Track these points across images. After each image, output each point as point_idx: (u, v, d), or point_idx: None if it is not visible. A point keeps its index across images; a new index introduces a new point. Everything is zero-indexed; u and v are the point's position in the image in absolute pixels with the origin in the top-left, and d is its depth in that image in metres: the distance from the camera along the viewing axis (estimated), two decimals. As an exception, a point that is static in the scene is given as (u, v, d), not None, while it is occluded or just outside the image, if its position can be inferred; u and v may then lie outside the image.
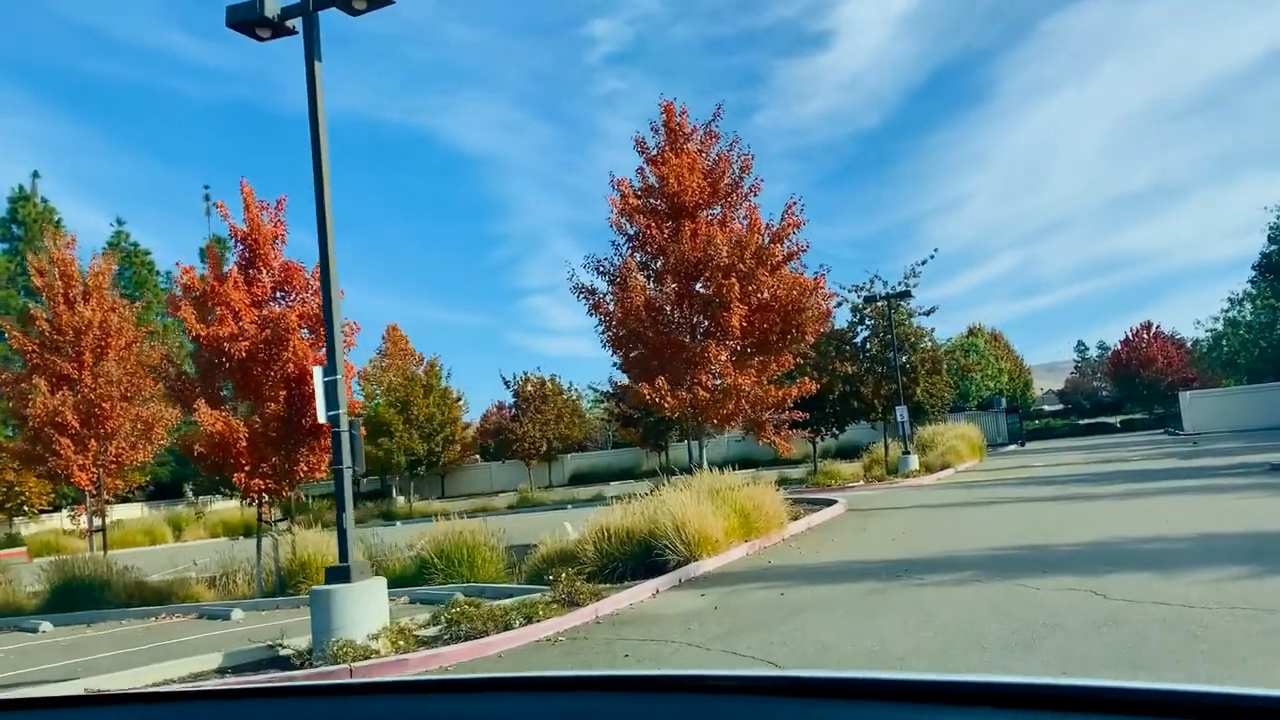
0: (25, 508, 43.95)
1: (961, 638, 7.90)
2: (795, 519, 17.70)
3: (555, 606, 10.82)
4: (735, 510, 15.32)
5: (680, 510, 13.73)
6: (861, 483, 30.08)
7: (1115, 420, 66.29)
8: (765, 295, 18.37)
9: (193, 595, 16.80)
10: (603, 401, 47.77)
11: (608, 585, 12.65)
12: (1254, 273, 53.08)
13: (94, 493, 20.81)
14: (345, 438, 9.27)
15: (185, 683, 8.93)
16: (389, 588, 15.41)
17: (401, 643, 9.18)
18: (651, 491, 15.47)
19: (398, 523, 37.15)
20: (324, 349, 16.35)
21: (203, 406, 15.32)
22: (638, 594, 11.68)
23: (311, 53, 9.65)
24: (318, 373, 9.41)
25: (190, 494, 56.15)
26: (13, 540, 42.64)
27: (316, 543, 16.27)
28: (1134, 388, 70.87)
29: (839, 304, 33.87)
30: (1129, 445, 41.84)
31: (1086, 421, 66.89)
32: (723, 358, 18.25)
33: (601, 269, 19.43)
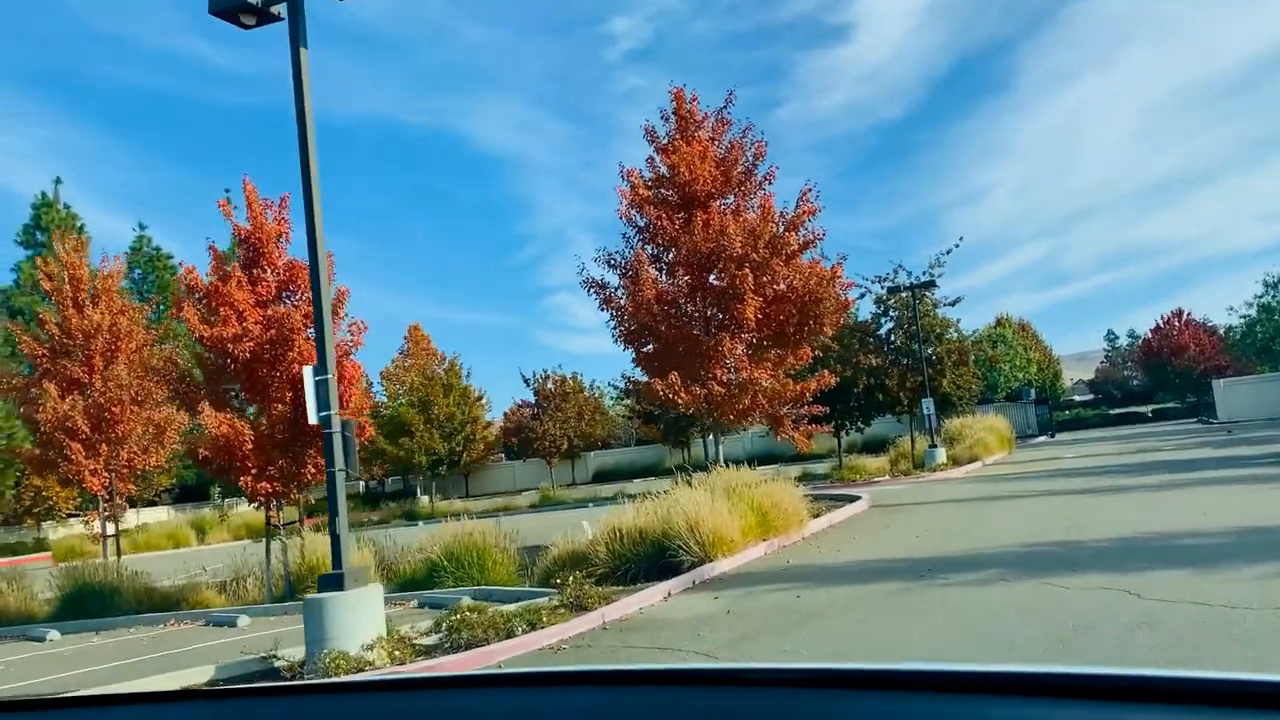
0: (53, 512, 44.22)
1: (987, 642, 7.42)
2: (816, 516, 17.21)
3: (563, 611, 10.42)
4: (752, 508, 14.85)
5: (694, 509, 13.29)
6: (887, 477, 29.50)
7: (1147, 410, 65.27)
8: (781, 286, 17.87)
9: (203, 601, 16.55)
10: (624, 399, 47.36)
11: (620, 588, 12.24)
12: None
13: (106, 498, 20.61)
14: (337, 439, 8.90)
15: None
16: (399, 591, 15.28)
17: (398, 653, 8.80)
18: (674, 488, 15.06)
19: (420, 523, 36.81)
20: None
21: (207, 409, 15.02)
22: (648, 597, 11.25)
23: (297, 39, 9.28)
24: (308, 372, 9.03)
25: (216, 496, 56.31)
26: (40, 545, 42.88)
27: (325, 546, 15.91)
28: (1166, 376, 69.69)
29: (862, 295, 33.34)
30: (1161, 435, 40.99)
31: (1117, 411, 65.91)
32: (738, 351, 17.75)
33: (612, 262, 18.96)
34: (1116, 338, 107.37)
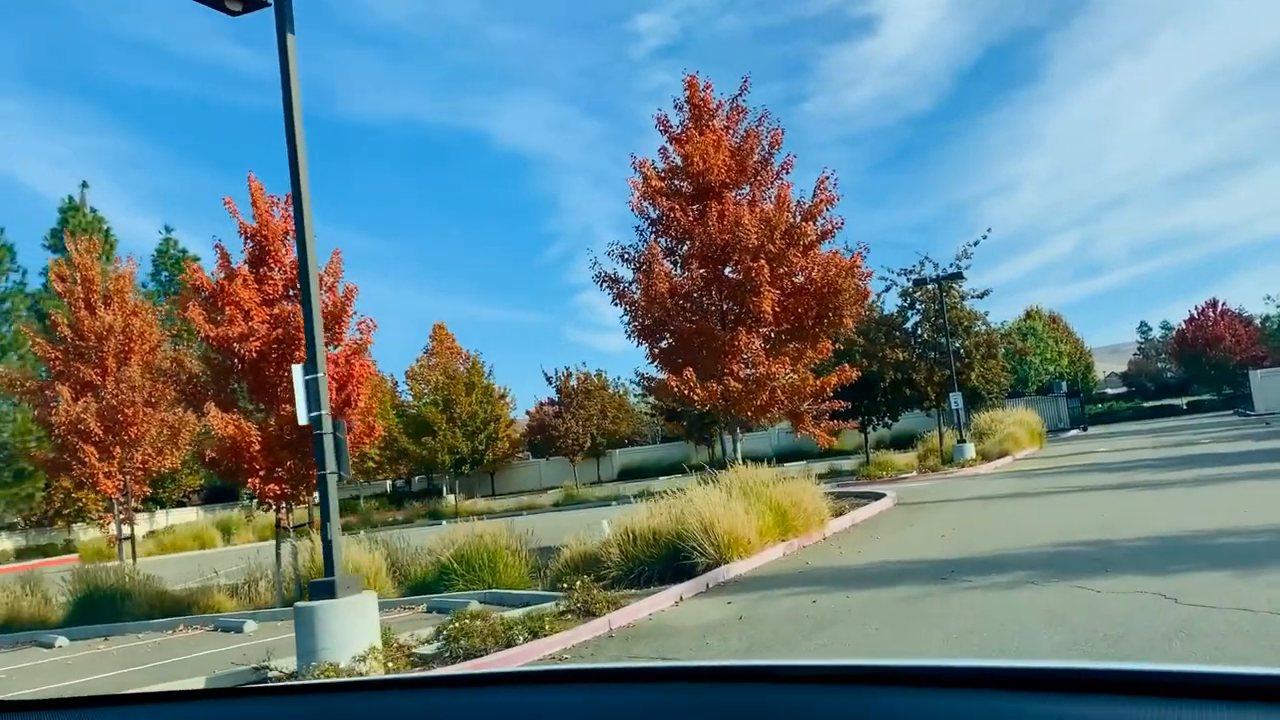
0: (83, 514, 44.41)
1: (1011, 652, 6.94)
2: (839, 515, 16.71)
3: (570, 617, 10.02)
4: (771, 508, 14.39)
5: (709, 510, 12.85)
6: (914, 474, 28.92)
7: (1181, 402, 64.17)
8: (799, 278, 17.36)
9: (214, 605, 16.31)
10: (646, 396, 46.98)
11: (632, 591, 11.84)
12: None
13: (121, 500, 20.46)
14: (329, 441, 8.54)
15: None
16: (410, 594, 14.96)
17: (392, 664, 8.43)
18: (689, 487, 14.63)
19: (444, 522, 36.60)
20: (336, 347, 15.85)
21: (213, 410, 14.75)
22: (659, 602, 10.83)
23: (284, 25, 8.93)
24: (297, 371, 8.68)
25: (244, 497, 56.44)
26: (69, 547, 43.08)
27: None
28: (1200, 368, 68.44)
29: (887, 288, 32.78)
30: (1197, 427, 40.08)
31: (1151, 404, 64.81)
32: (755, 345, 17.23)
33: (626, 256, 18.49)
34: (1150, 329, 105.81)
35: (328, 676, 7.89)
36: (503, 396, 49.82)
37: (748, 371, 17.35)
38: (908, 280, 32.27)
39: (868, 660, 1.40)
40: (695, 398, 16.91)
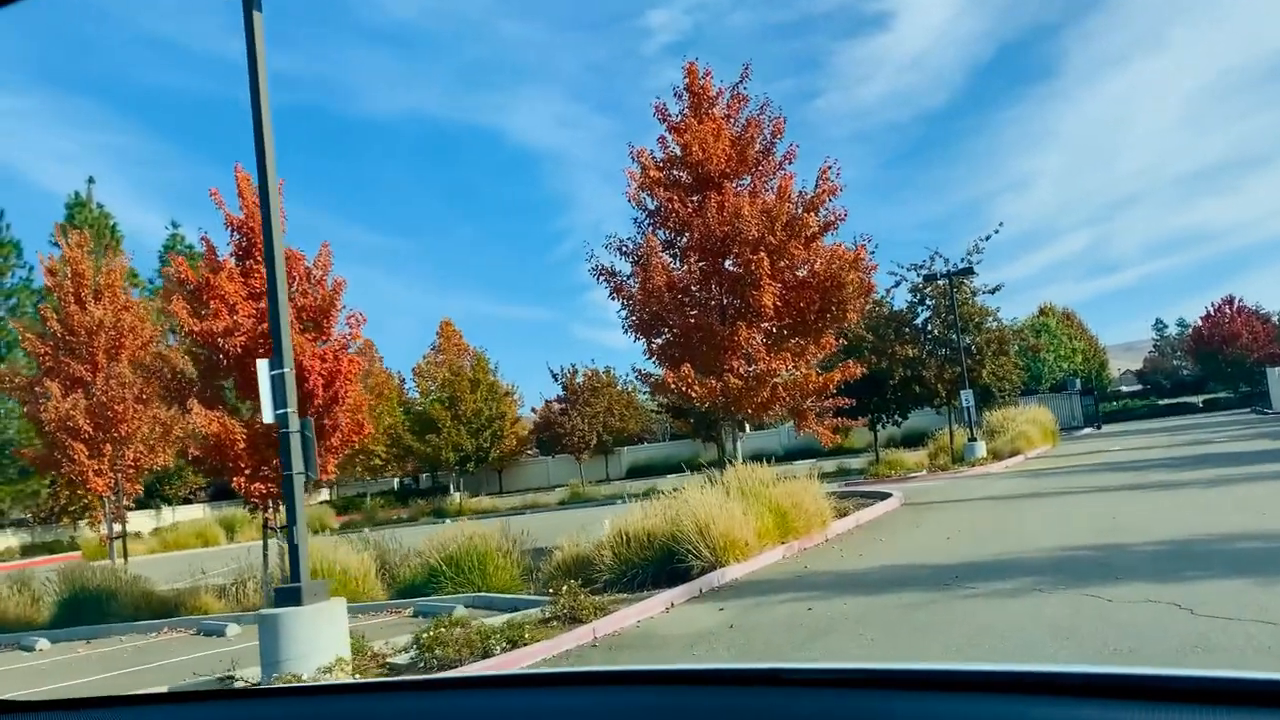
0: (88, 511, 44.23)
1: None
2: (843, 515, 16.22)
3: (555, 624, 9.59)
4: (770, 509, 13.91)
5: (704, 511, 12.38)
6: (924, 472, 28.37)
7: (1197, 400, 63.39)
8: (802, 271, 16.84)
9: (201, 606, 15.93)
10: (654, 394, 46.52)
11: (624, 595, 11.39)
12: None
13: (113, 498, 20.13)
14: (295, 440, 8.10)
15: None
16: (398, 597, 14.52)
17: (359, 675, 7.99)
18: (685, 487, 14.16)
19: (448, 520, 36.19)
20: (325, 342, 15.44)
21: (196, 406, 14.35)
22: (648, 608, 10.36)
23: (250, 2, 8.50)
24: (262, 366, 8.24)
25: (251, 494, 56.20)
26: (74, 544, 42.91)
27: (325, 549, 15.20)
28: (1217, 365, 67.61)
29: (897, 283, 32.15)
30: (1213, 426, 39.39)
31: (1167, 402, 64.03)
32: (755, 341, 16.69)
33: (624, 249, 17.98)
34: (1165, 326, 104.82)
35: (290, 689, 7.46)
36: (508, 393, 49.41)
37: (748, 368, 16.81)
38: (917, 276, 31.71)
39: (870, 664, 1.42)
40: (694, 395, 16.42)
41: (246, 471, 14.65)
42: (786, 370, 17.29)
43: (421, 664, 8.36)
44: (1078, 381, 59.35)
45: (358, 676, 7.96)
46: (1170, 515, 13.06)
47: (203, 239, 15.52)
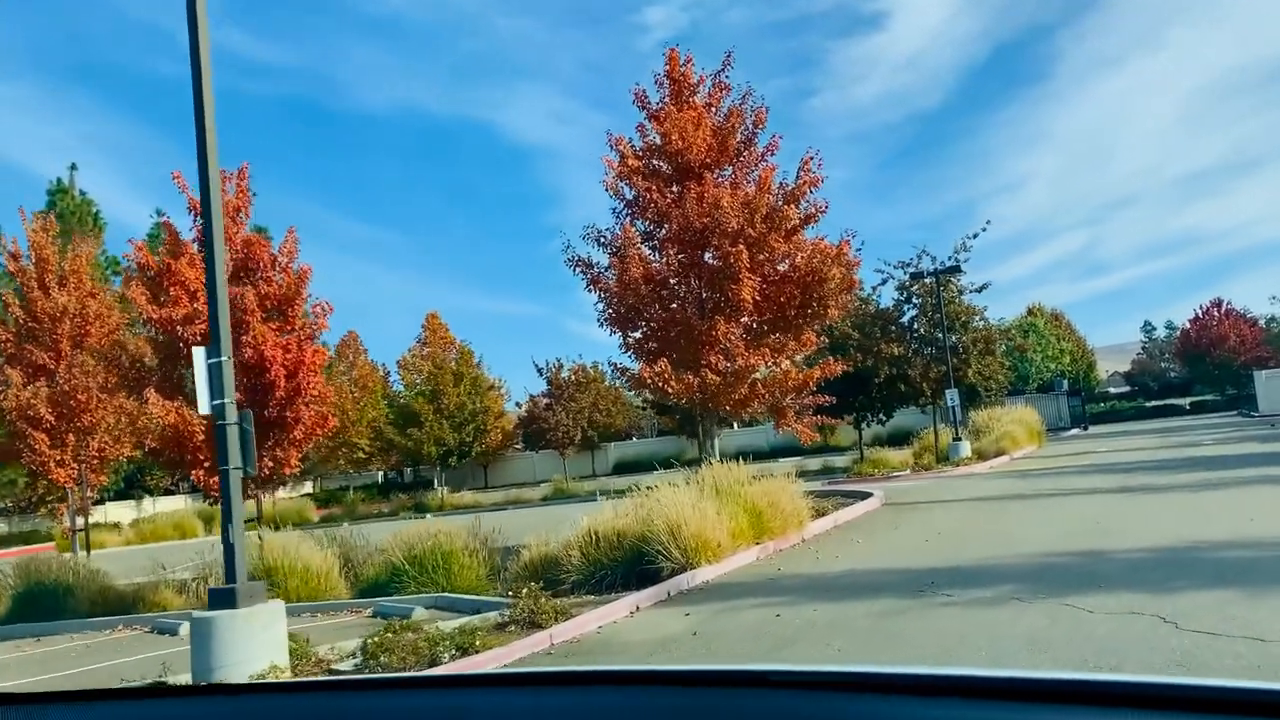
0: (46, 504, 43.57)
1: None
2: (821, 515, 15.81)
3: (513, 629, 9.15)
4: (745, 509, 13.49)
5: (676, 511, 11.96)
6: (908, 471, 27.98)
7: (1185, 402, 63.22)
8: (783, 266, 16.40)
9: (160, 602, 15.40)
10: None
11: (590, 598, 10.99)
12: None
13: (76, 490, 19.61)
14: (233, 433, 7.64)
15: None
16: (360, 597, 14.04)
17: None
18: (669, 483, 13.73)
19: (428, 515, 35.70)
20: (290, 332, 14.97)
21: (153, 396, 13.88)
22: (612, 612, 9.94)
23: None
24: (198, 355, 7.77)
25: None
26: (49, 535, 42.30)
27: (284, 544, 14.70)
28: (1204, 368, 67.46)
29: (884, 281, 31.80)
30: (1200, 428, 39.12)
31: (1154, 404, 63.84)
32: (734, 336, 16.24)
33: (601, 240, 17.49)
34: (1154, 329, 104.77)
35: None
36: (493, 388, 48.84)
37: (726, 364, 16.33)
38: (904, 273, 31.36)
39: (855, 667, 1.39)
40: (670, 390, 15.95)
41: (206, 464, 14.20)
42: (765, 366, 16.85)
43: (366, 671, 7.92)
44: (1065, 382, 59.07)
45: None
46: (1156, 520, 12.69)
47: (164, 224, 15.05)
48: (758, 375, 16.72)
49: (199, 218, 14.82)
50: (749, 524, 13.35)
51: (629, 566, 11.85)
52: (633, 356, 17.27)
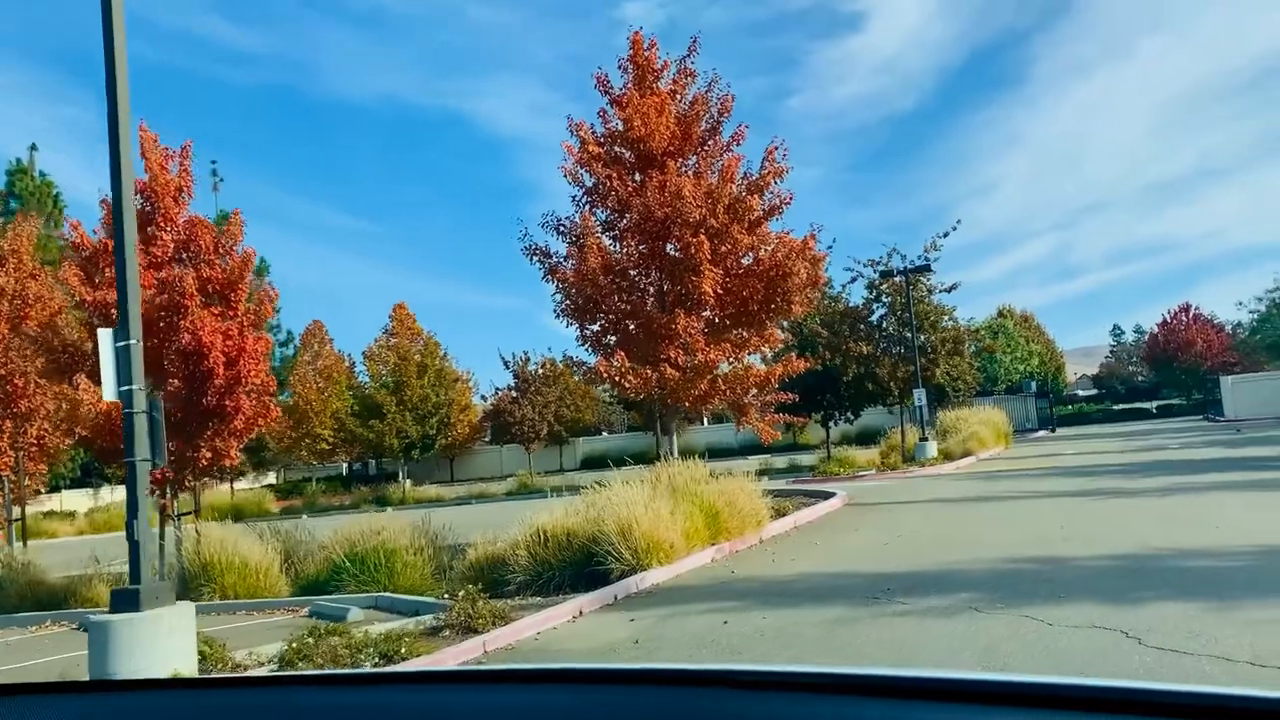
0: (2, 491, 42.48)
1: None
2: (781, 516, 15.42)
3: (447, 634, 8.65)
4: (702, 508, 13.06)
5: (627, 510, 11.50)
6: (874, 471, 27.69)
7: (1151, 406, 63.60)
8: (746, 260, 15.95)
9: (93, 597, 14.73)
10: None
11: (535, 600, 10.53)
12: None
13: (12, 478, 18.88)
14: (141, 422, 7.10)
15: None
16: (300, 595, 13.49)
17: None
18: (608, 484, 13.27)
19: (389, 508, 35.06)
20: (233, 318, 14.36)
21: (84, 382, 13.24)
22: (553, 616, 9.46)
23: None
24: (104, 337, 7.21)
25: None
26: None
27: (223, 538, 14.10)
28: (1171, 372, 67.84)
29: (853, 279, 31.50)
30: (1167, 432, 39.15)
31: (1121, 407, 64.19)
32: (694, 330, 15.78)
33: (561, 228, 16.95)
34: (1123, 333, 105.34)
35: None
36: (459, 380, 48.13)
37: (686, 358, 15.85)
38: (874, 271, 31.06)
39: (826, 668, 1.37)
40: (627, 385, 15.46)
41: (140, 454, 13.56)
42: (727, 362, 16.42)
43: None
44: (1033, 384, 59.17)
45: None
46: (1121, 526, 12.37)
47: (101, 202, 14.37)
48: (719, 371, 16.28)
49: (138, 196, 14.20)
50: (705, 524, 12.93)
51: (578, 568, 11.41)
52: (590, 350, 16.79)
